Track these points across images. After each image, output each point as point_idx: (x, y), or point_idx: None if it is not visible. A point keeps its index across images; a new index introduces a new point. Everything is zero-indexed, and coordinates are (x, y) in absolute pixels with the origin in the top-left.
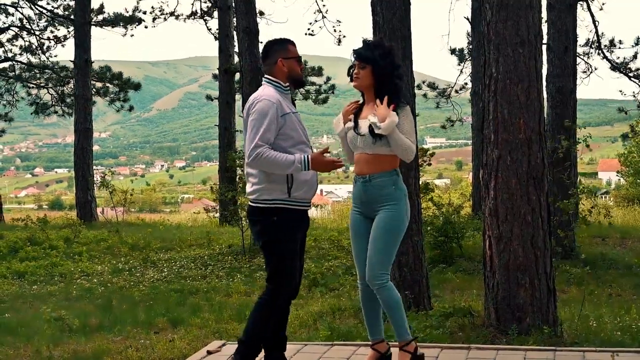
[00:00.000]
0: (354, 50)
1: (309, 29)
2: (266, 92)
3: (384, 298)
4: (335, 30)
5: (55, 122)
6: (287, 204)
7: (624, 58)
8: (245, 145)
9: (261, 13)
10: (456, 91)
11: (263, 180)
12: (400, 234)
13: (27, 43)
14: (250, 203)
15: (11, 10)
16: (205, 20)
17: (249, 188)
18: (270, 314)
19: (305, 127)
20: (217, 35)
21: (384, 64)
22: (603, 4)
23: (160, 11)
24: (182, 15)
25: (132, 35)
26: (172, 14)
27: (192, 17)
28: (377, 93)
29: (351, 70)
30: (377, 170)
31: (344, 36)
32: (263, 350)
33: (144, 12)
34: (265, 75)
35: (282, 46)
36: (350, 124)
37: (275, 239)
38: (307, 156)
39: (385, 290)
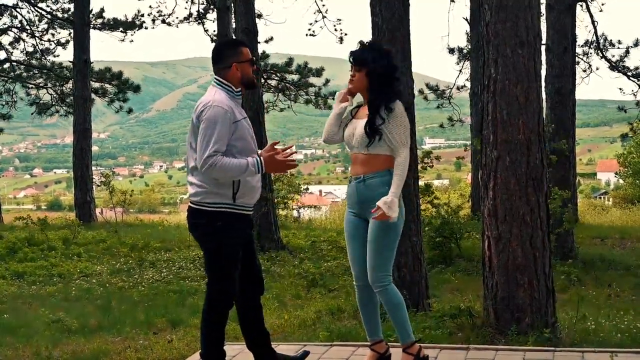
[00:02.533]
0: (350, 52)
1: (309, 29)
2: (217, 97)
3: (386, 300)
4: (336, 30)
5: (54, 122)
6: (232, 209)
7: (621, 56)
8: (197, 153)
9: (259, 16)
10: (458, 88)
11: (208, 183)
12: (395, 234)
13: (27, 45)
14: (191, 205)
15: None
16: (202, 22)
17: (191, 190)
18: (219, 321)
19: (253, 133)
20: (214, 37)
21: (378, 66)
22: (603, 4)
23: (158, 12)
24: (177, 19)
25: (131, 41)
26: (163, 21)
27: (187, 21)
28: (370, 96)
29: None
30: (371, 170)
31: (345, 34)
32: (251, 351)
33: (142, 15)
34: (216, 78)
35: (235, 50)
36: (347, 104)
37: (220, 244)
38: (260, 159)
39: (386, 292)
